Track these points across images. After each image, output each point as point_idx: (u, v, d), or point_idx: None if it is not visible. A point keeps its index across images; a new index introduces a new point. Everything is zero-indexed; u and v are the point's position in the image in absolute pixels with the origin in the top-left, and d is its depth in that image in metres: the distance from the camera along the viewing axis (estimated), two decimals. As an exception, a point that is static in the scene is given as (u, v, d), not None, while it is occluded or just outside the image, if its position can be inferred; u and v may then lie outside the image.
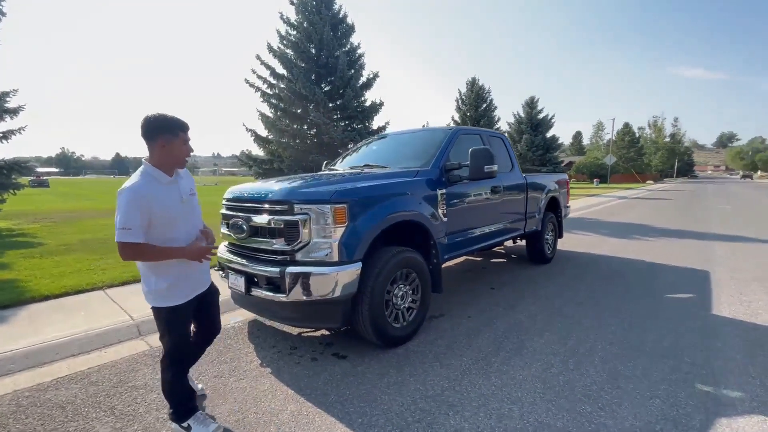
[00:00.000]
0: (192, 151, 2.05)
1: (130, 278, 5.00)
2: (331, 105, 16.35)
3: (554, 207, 6.18)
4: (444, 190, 3.64)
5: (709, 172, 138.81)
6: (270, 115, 16.80)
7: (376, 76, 17.88)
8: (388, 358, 3.03)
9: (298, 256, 2.84)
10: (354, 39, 17.84)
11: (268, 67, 17.07)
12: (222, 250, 3.54)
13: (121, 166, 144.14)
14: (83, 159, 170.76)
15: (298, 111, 16.97)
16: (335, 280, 2.73)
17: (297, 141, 16.80)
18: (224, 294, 4.24)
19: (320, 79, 17.09)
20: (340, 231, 2.77)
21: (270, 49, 16.85)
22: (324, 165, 5.24)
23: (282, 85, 16.32)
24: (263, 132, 17.53)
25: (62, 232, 8.92)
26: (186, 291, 2.08)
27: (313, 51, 16.82)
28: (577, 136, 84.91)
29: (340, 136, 15.91)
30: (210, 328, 2.38)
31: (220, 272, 3.50)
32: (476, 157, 3.62)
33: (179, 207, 1.99)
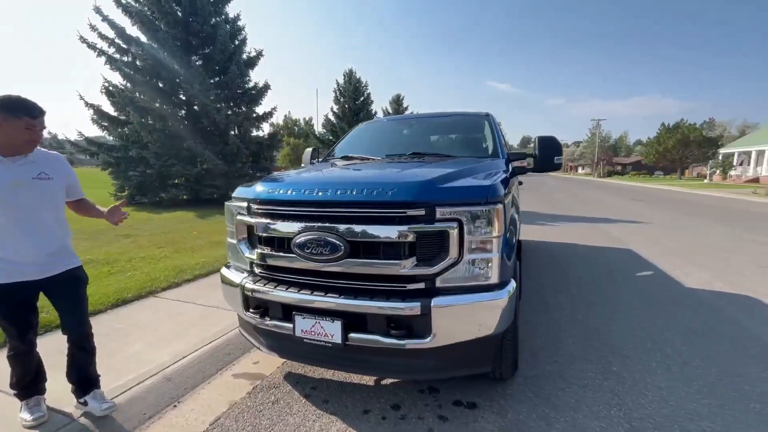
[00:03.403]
0: (39, 139, 1.99)
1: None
2: (211, 82, 13.68)
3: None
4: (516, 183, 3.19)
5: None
6: (123, 87, 13.06)
7: (260, 54, 15.87)
8: (517, 394, 2.44)
9: (440, 281, 1.98)
10: (231, 10, 15.31)
11: (114, 25, 13.18)
12: (248, 281, 2.30)
13: None
14: None
15: (162, 85, 13.67)
16: (500, 308, 1.99)
17: (162, 124, 13.52)
18: (214, 328, 2.57)
19: (192, 49, 14.12)
20: (498, 242, 2.02)
21: (118, 2, 13.02)
22: (310, 154, 4.05)
23: (140, 51, 12.80)
24: (112, 109, 13.54)
25: None
26: None
27: (180, 14, 13.72)
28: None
29: (225, 120, 13.52)
30: (74, 326, 2.20)
31: (255, 315, 2.26)
32: (546, 147, 3.27)
33: (4, 189, 1.90)
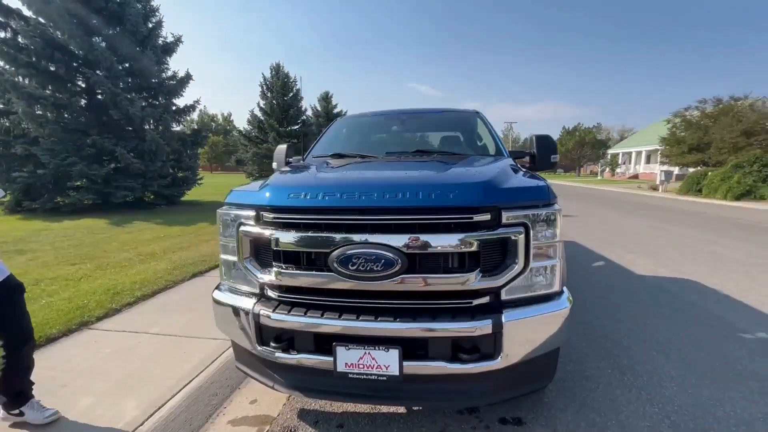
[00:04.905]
0: None
1: None
2: (120, 68, 11.83)
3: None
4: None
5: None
6: (1, 70, 10.66)
7: (179, 40, 14.19)
8: (555, 401, 2.35)
9: (505, 294, 1.77)
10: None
11: (-17, -9, 10.68)
12: (263, 308, 1.86)
13: None
14: None
15: (55, 69, 11.45)
16: (564, 317, 1.85)
17: (56, 114, 11.36)
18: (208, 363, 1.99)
19: (95, 29, 12.04)
20: (560, 246, 1.88)
21: (-12, -38, 10.57)
22: (284, 152, 3.53)
23: (23, 26, 10.55)
24: (-15, 96, 10.98)
25: None
26: None
27: (77, -15, 11.58)
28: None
29: (141, 113, 11.79)
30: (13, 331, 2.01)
31: (274, 349, 1.84)
32: (543, 146, 3.25)
33: None
